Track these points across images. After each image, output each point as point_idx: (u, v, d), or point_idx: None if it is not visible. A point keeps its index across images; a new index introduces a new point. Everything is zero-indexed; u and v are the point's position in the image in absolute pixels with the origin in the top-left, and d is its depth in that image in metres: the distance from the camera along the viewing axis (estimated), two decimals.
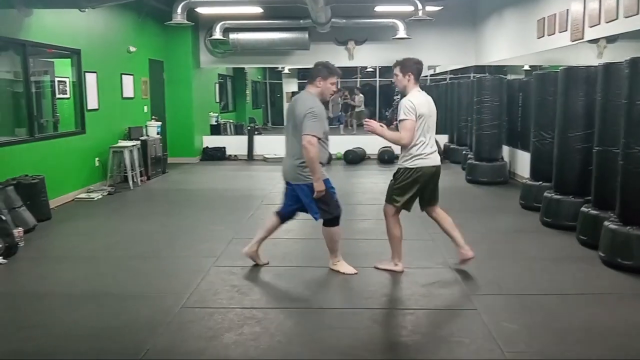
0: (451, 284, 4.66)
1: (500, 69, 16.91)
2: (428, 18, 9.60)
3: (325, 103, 5.61)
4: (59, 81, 8.73)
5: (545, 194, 6.63)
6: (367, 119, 4.88)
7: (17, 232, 5.76)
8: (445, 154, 12.86)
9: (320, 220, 4.80)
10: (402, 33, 11.38)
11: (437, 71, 20.09)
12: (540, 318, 3.98)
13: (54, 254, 5.79)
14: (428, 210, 4.99)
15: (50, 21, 7.92)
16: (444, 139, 13.36)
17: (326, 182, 4.70)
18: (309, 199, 4.67)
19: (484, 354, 3.43)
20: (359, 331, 3.76)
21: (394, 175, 4.85)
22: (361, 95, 19.86)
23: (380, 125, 4.67)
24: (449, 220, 4.98)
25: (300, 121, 4.55)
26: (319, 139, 4.55)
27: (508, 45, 10.59)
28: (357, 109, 19.55)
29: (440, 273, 4.94)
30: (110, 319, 4.01)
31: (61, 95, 8.74)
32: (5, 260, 5.27)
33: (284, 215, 4.98)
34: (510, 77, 14.70)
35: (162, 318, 3.95)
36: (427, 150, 4.68)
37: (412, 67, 4.73)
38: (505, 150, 10.05)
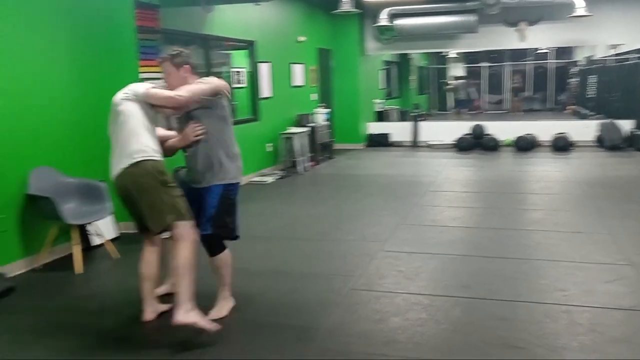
0: (633, 282, 4.28)
1: None
2: None
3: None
4: (235, 71, 9.35)
5: None
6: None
7: None
8: (630, 141, 11.79)
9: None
10: (581, 10, 10.55)
11: (621, 50, 18.35)
12: None
13: None
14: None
15: (229, 16, 8.50)
16: (628, 124, 12.24)
17: None
18: None
19: None
20: (531, 325, 3.60)
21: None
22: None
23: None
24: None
25: None
26: None
27: None
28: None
29: (621, 270, 4.55)
30: (284, 296, 4.25)
31: (237, 85, 9.34)
32: None
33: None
34: None
35: (332, 298, 4.10)
36: None
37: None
38: None
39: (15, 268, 4.84)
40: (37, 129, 5.12)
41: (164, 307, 3.86)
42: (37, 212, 5.00)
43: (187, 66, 3.69)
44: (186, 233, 3.53)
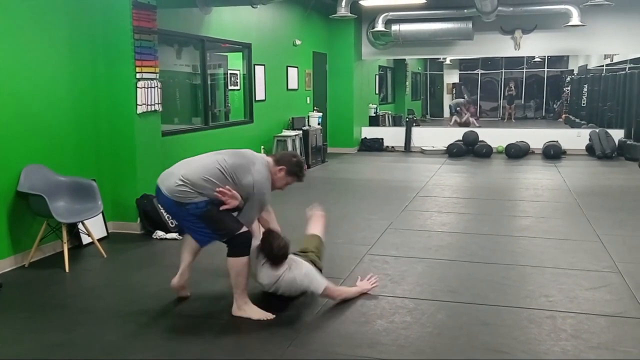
0: (619, 290, 4.33)
1: None
2: (607, 2, 8.90)
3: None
4: (231, 74, 9.38)
5: None
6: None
7: None
8: (620, 149, 11.88)
9: None
10: (575, 20, 10.67)
11: (615, 60, 18.48)
12: None
13: None
14: None
15: (226, 18, 8.53)
16: (619, 133, 12.33)
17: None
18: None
19: None
20: (515, 330, 3.64)
21: None
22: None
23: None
24: None
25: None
26: None
27: None
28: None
29: (608, 277, 4.60)
30: (269, 296, 4.25)
31: (232, 87, 9.38)
32: (181, 237, 5.81)
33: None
34: None
35: (318, 300, 4.11)
36: None
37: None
38: None
39: (4, 265, 4.84)
40: (31, 127, 5.11)
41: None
42: (27, 209, 5.00)
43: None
44: None
